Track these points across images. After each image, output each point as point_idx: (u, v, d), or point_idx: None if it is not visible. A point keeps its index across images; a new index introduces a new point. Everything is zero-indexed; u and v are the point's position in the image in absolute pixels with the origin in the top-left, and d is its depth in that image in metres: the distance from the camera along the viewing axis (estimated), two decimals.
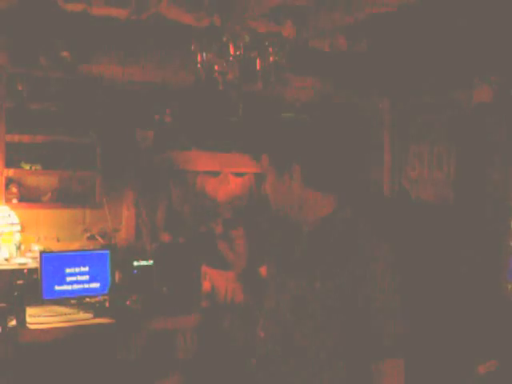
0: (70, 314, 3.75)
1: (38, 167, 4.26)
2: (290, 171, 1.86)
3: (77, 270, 4.01)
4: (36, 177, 4.35)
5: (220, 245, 2.06)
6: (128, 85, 4.37)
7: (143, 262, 4.22)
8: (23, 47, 3.92)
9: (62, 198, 4.40)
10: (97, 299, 4.00)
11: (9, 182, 4.19)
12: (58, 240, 4.38)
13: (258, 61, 3.59)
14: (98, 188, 4.47)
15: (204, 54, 3.57)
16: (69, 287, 3.98)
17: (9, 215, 4.07)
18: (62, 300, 3.95)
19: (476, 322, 3.93)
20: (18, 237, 4.14)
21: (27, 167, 4.22)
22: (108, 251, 4.18)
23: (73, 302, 3.98)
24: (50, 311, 3.76)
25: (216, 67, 3.59)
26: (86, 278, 4.04)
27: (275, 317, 1.88)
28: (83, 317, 3.71)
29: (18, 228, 4.13)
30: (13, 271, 3.91)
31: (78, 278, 4.01)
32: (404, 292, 2.01)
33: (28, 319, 3.50)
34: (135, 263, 4.19)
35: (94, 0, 3.30)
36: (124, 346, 3.72)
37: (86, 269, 4.05)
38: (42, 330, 3.46)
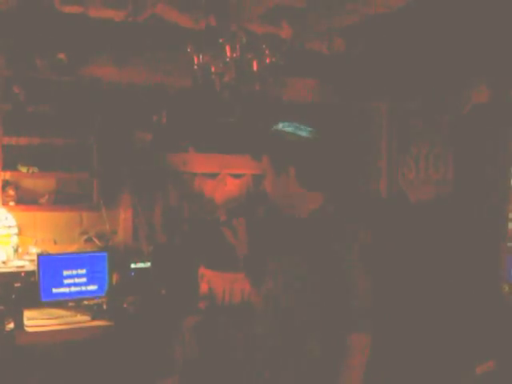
0: (67, 316, 3.74)
1: (35, 169, 4.25)
2: (287, 171, 2.18)
3: (74, 272, 4.01)
4: (33, 179, 4.34)
5: (225, 231, 2.41)
6: (125, 86, 4.37)
7: (140, 264, 4.22)
8: (20, 49, 3.91)
9: (60, 200, 4.39)
10: (94, 301, 3.99)
11: (6, 184, 4.19)
12: (56, 242, 4.38)
13: (254, 62, 3.59)
14: (95, 190, 4.46)
15: (201, 56, 3.57)
16: (66, 289, 3.98)
17: (6, 218, 4.07)
18: (60, 302, 3.94)
19: (473, 323, 3.94)
20: (15, 239, 4.13)
21: (24, 170, 4.22)
22: (105, 253, 4.18)
23: (70, 304, 3.97)
24: (47, 314, 3.75)
25: (213, 69, 3.58)
26: (84, 280, 4.04)
27: (271, 295, 2.21)
28: (81, 319, 3.71)
29: (16, 230, 4.13)
30: (10, 274, 3.90)
31: (75, 281, 4.01)
32: (400, 291, 2.10)
33: (26, 322, 3.50)
34: (133, 265, 4.20)
35: (90, 2, 3.30)
36: (122, 348, 3.72)
37: (84, 271, 4.04)
38: (39, 333, 3.46)
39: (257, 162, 2.37)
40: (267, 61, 3.56)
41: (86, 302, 4.01)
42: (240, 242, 2.37)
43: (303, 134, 2.19)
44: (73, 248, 4.37)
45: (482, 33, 3.63)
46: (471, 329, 3.94)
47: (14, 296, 3.52)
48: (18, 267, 3.99)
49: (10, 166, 4.15)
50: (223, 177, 4.96)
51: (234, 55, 3.47)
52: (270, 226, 2.37)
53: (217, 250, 2.48)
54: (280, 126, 2.23)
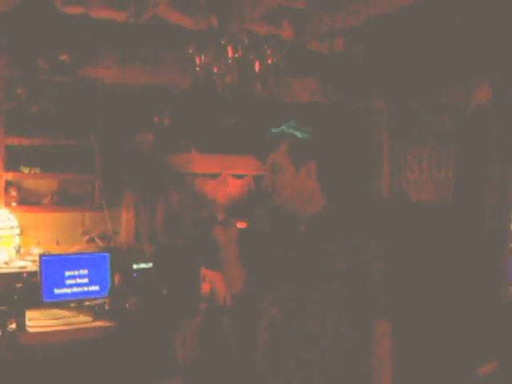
0: (69, 317, 3.74)
1: (38, 170, 4.25)
2: (308, 166, 2.08)
3: (76, 272, 4.01)
4: (35, 180, 4.35)
5: (216, 228, 2.33)
6: (127, 87, 4.37)
7: (142, 265, 4.22)
8: (22, 50, 3.92)
9: (62, 200, 4.40)
10: (96, 302, 3.99)
11: (8, 185, 4.19)
12: (58, 243, 4.38)
13: (256, 63, 3.59)
14: (97, 191, 4.46)
15: (202, 57, 3.57)
16: (68, 290, 3.98)
17: (8, 218, 4.07)
18: (62, 303, 3.94)
19: (476, 324, 3.93)
20: (17, 240, 4.14)
21: (26, 170, 4.22)
22: (107, 254, 4.17)
23: (72, 304, 3.97)
24: (49, 314, 3.76)
25: (215, 69, 3.59)
26: (86, 280, 4.04)
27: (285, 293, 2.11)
28: (83, 320, 3.71)
29: (18, 231, 4.14)
30: (12, 274, 3.90)
31: (77, 281, 4.01)
32: (402, 293, 2.09)
33: (27, 322, 3.50)
34: (135, 266, 4.20)
35: (92, 3, 3.30)
36: (124, 348, 3.72)
37: (86, 271, 4.04)
38: (41, 333, 3.46)
39: (259, 162, 2.30)
40: (269, 61, 3.56)
41: (87, 303, 4.01)
42: (229, 240, 2.25)
43: (302, 135, 2.15)
44: (75, 248, 4.37)
45: (484, 32, 3.63)
46: (473, 330, 3.93)
47: (16, 296, 3.52)
48: (20, 268, 3.99)
49: (12, 166, 4.16)
50: (225, 177, 4.97)
51: (236, 56, 3.48)
52: (274, 227, 2.25)
53: (219, 250, 2.32)
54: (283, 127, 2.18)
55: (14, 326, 3.42)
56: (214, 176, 4.95)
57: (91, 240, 4.47)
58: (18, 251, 4.13)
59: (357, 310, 2.06)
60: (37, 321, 3.60)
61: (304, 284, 2.08)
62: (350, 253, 2.04)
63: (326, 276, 2.04)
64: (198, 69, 3.61)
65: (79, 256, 4.12)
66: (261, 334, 2.21)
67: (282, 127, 2.18)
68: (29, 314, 3.59)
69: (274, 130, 2.19)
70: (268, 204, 2.18)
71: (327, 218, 2.11)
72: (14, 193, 4.22)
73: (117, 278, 4.13)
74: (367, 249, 2.07)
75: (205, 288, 4.37)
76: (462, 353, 3.88)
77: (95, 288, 4.07)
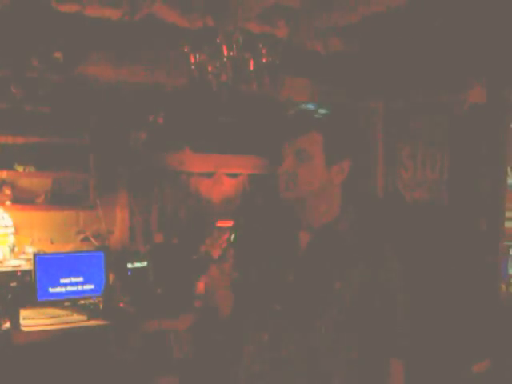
0: (63, 315, 3.74)
1: (32, 169, 4.24)
2: (341, 165, 1.77)
3: (71, 271, 4.01)
4: (29, 178, 4.33)
5: (211, 269, 1.86)
6: (121, 86, 4.36)
7: (137, 264, 4.22)
8: (16, 48, 3.90)
9: (56, 199, 4.38)
10: (91, 301, 3.99)
11: (2, 183, 4.18)
12: (52, 242, 4.37)
13: (251, 62, 3.59)
14: (91, 189, 4.46)
15: (197, 55, 3.57)
16: (63, 289, 3.98)
17: (2, 217, 4.06)
18: (56, 302, 3.94)
19: (470, 322, 3.95)
20: (11, 239, 4.13)
21: (21, 169, 4.21)
22: (102, 253, 4.17)
23: (67, 303, 3.97)
24: (43, 313, 3.75)
25: (209, 68, 3.58)
26: (80, 279, 4.04)
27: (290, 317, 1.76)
28: (77, 319, 3.70)
29: (12, 230, 4.13)
30: (6, 273, 3.90)
31: (71, 280, 4.01)
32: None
33: (22, 321, 3.49)
34: (129, 265, 4.19)
35: (87, 0, 3.29)
36: (118, 347, 3.72)
37: (80, 270, 4.04)
38: (35, 332, 3.45)
39: (255, 161, 2.06)
40: (264, 60, 3.56)
41: (82, 302, 4.00)
42: (224, 277, 1.85)
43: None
44: (69, 247, 4.36)
45: (479, 33, 3.64)
46: (468, 328, 3.94)
47: (10, 295, 3.52)
48: (14, 267, 3.98)
49: (6, 165, 4.15)
50: (219, 176, 4.97)
51: (231, 54, 3.47)
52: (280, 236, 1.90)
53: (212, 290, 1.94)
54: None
55: (8, 325, 3.41)
56: (209, 175, 4.95)
57: (86, 239, 4.46)
58: (12, 250, 4.12)
59: (369, 347, 1.76)
60: (31, 320, 3.59)
61: (305, 308, 1.74)
62: (368, 276, 1.74)
63: (334, 301, 1.72)
64: (192, 67, 3.60)
65: (74, 255, 4.11)
66: (248, 363, 1.85)
67: (309, 108, 1.86)
68: (23, 313, 3.58)
69: (297, 110, 1.83)
70: (268, 204, 1.92)
71: (342, 230, 1.78)
72: (8, 191, 4.20)
73: (111, 277, 4.13)
74: (390, 275, 1.80)
75: (199, 287, 4.37)
76: (456, 349, 3.90)
77: (90, 287, 4.07)
